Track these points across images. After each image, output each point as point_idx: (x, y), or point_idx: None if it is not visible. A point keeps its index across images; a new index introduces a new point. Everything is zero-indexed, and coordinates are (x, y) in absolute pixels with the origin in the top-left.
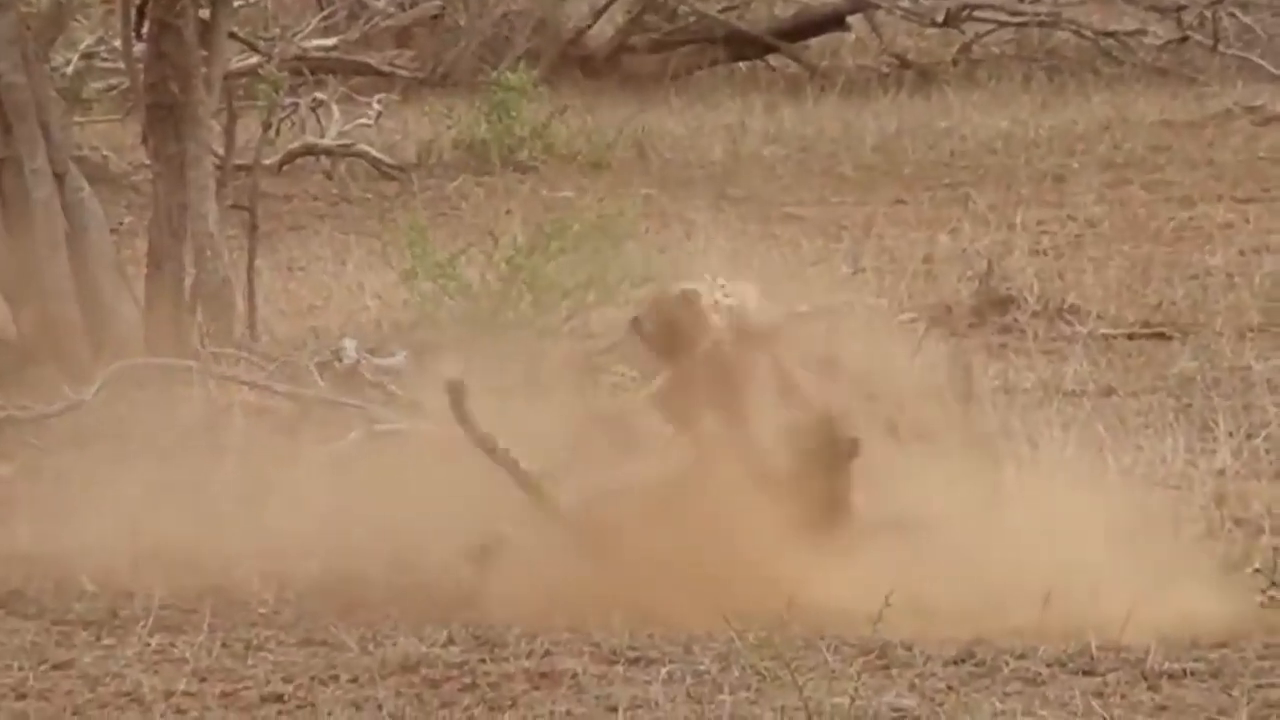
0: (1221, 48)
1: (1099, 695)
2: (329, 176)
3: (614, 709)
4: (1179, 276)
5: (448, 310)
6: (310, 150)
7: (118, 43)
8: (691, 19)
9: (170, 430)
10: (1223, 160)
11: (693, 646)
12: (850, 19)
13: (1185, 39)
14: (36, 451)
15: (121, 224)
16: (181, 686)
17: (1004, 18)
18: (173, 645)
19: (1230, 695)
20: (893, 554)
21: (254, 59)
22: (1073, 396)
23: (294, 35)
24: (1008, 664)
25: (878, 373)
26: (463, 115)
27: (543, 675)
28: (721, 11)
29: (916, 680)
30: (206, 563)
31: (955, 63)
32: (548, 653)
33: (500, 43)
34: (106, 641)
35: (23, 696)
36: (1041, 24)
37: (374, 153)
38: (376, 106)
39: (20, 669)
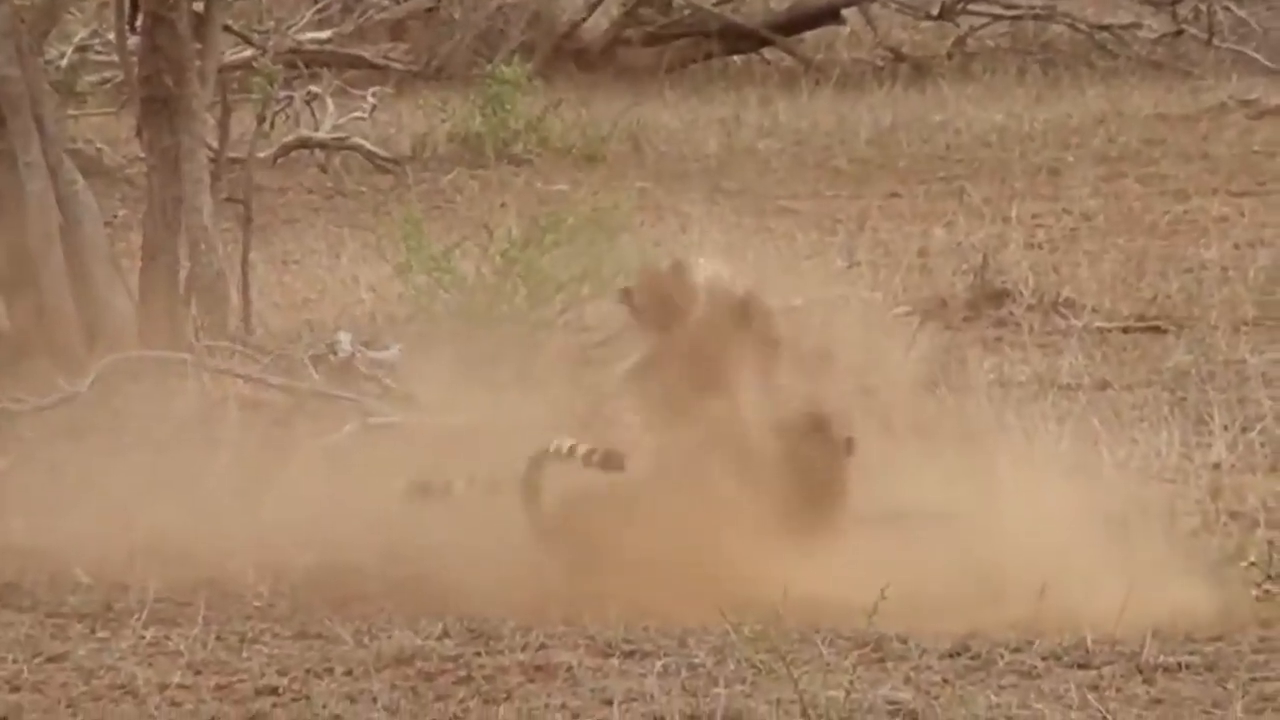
0: (1216, 41)
1: (1094, 688)
2: (324, 170)
3: (609, 702)
4: (1174, 270)
5: (442, 303)
6: (305, 143)
7: (112, 36)
8: (686, 12)
9: (165, 423)
10: (1218, 154)
11: (688, 639)
12: (845, 12)
13: (1180, 32)
14: (31, 444)
15: (116, 217)
16: (176, 679)
17: (999, 11)
18: (167, 638)
19: (1225, 688)
20: (888, 547)
21: (248, 52)
22: (1068, 390)
23: (288, 28)
24: (1003, 657)
25: (872, 366)
26: (457, 108)
27: (538, 668)
28: (716, 5)
29: (911, 673)
30: (201, 556)
31: (950, 56)
32: (543, 645)
33: (495, 36)
34: (101, 634)
35: (17, 689)
36: (1036, 17)
37: (368, 146)
38: (371, 100)
39: (15, 661)
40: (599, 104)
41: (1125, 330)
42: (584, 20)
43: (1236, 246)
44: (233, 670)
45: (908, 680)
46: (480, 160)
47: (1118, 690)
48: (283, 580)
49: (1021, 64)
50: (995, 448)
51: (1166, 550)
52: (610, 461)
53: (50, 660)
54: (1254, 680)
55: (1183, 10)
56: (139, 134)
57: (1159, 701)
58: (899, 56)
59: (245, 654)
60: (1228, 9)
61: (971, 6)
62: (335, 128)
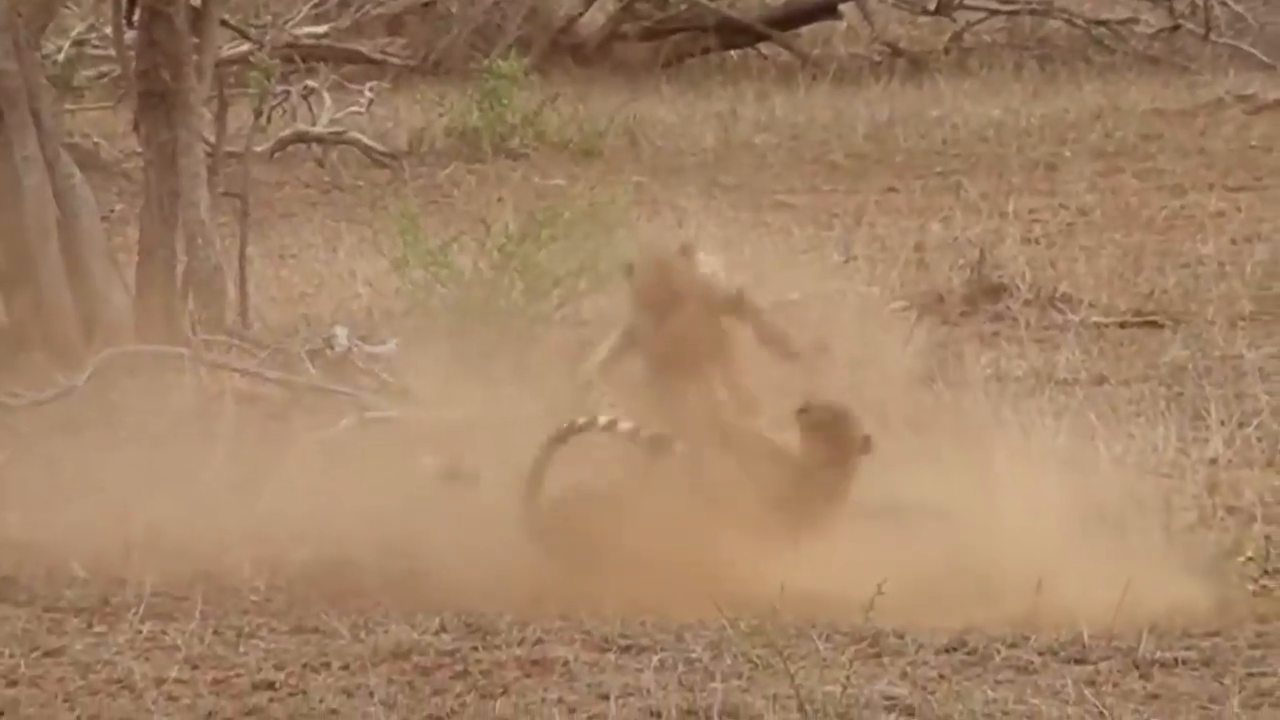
0: (1213, 36)
1: (1091, 684)
2: (320, 164)
3: (605, 696)
4: (1171, 265)
5: (439, 298)
6: (302, 138)
7: (109, 30)
8: (683, 7)
9: (161, 417)
10: (1214, 149)
11: (684, 634)
12: (842, 7)
13: (1177, 27)
14: (27, 438)
15: (113, 211)
16: (173, 674)
17: (995, 6)
18: (164, 632)
19: (1222, 684)
20: (885, 543)
21: (245, 46)
22: (1065, 385)
23: (285, 23)
24: (999, 652)
25: (869, 361)
26: (454, 103)
27: (534, 663)
28: (713, 0)
29: (908, 669)
30: (198, 550)
31: (947, 51)
32: (539, 640)
33: (492, 30)
34: (98, 629)
35: (14, 683)
36: (1033, 12)
37: (365, 140)
38: (368, 94)
39: (11, 656)
40: (596, 99)
41: (1122, 325)
42: (580, 15)
43: (1233, 241)
44: (230, 665)
45: (904, 675)
46: (477, 155)
47: (1114, 685)
48: (280, 575)
49: (1018, 59)
50: (992, 443)
51: (1163, 545)
52: (658, 445)
53: (47, 655)
54: (1251, 675)
55: (1180, 5)
56: (136, 128)
57: (1155, 697)
58: (896, 51)
59: (242, 648)
60: (1224, 4)
61: (968, 1)
62: (332, 122)
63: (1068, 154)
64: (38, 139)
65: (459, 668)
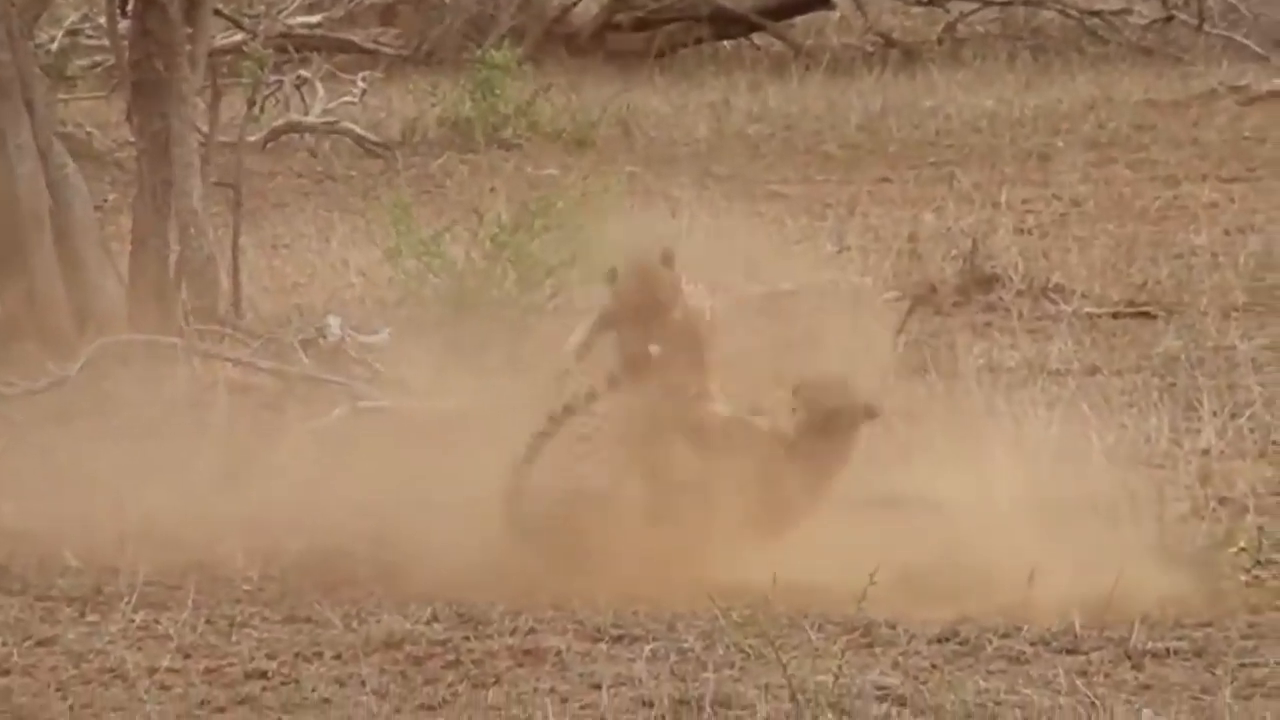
0: (1206, 27)
1: (1083, 674)
2: (313, 154)
3: (597, 686)
4: (1164, 256)
5: (432, 288)
6: (295, 128)
7: (102, 19)
8: None
9: (154, 407)
10: (1207, 140)
11: (676, 624)
12: None
13: (1170, 18)
14: (20, 427)
15: (105, 201)
16: (165, 663)
17: None
18: (157, 622)
19: (1214, 674)
20: (877, 533)
21: (239, 36)
22: (1057, 375)
23: (279, 12)
24: (991, 642)
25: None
26: (447, 93)
27: (526, 652)
28: None
29: (900, 658)
30: (191, 539)
31: (940, 41)
32: (531, 630)
33: (485, 20)
34: (90, 618)
35: (6, 672)
36: (1027, 3)
37: (358, 130)
38: (361, 84)
39: (4, 645)
40: (589, 89)
41: (1115, 316)
42: (574, 5)
43: (1226, 232)
44: (222, 654)
45: (896, 665)
46: (470, 145)
47: (1106, 676)
48: (272, 564)
49: (1012, 50)
50: (984, 433)
51: (1155, 536)
52: (613, 383)
53: (40, 644)
54: (1243, 666)
55: None
56: (129, 118)
57: (1147, 687)
58: (889, 42)
59: (234, 638)
60: None
61: None
62: (325, 112)
63: (1061, 144)
64: (31, 128)
65: (451, 657)
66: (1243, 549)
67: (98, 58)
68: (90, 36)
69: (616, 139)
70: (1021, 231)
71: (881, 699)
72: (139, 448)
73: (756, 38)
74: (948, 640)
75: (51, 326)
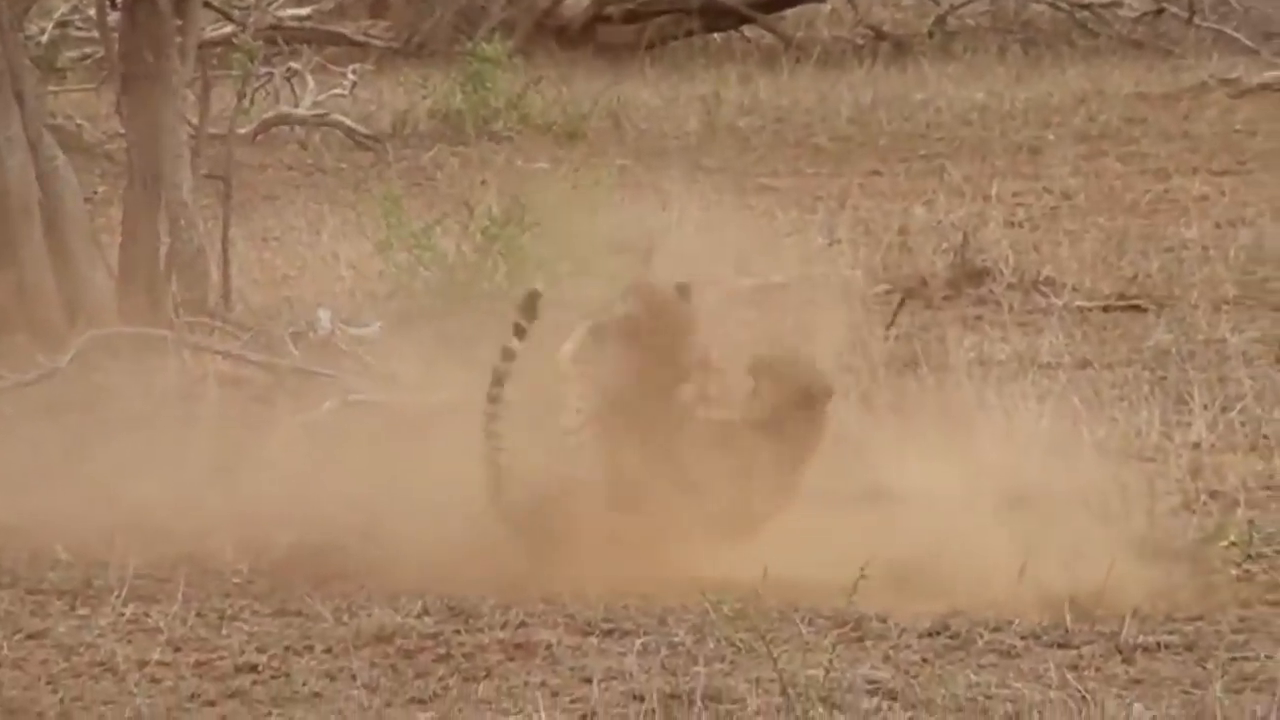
0: (1197, 20)
1: (1074, 668)
2: (304, 146)
3: (588, 680)
4: (1154, 249)
5: (422, 280)
6: (285, 120)
7: (92, 12)
8: None
9: (144, 400)
10: (1198, 133)
11: (667, 618)
12: None
13: (1161, 11)
14: (10, 420)
15: (95, 193)
16: (156, 656)
17: None
18: (147, 615)
19: (1205, 668)
20: (868, 526)
21: (229, 28)
22: (1048, 369)
23: (269, 4)
24: (982, 636)
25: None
26: (438, 85)
27: (517, 646)
28: None
29: (891, 652)
30: (181, 532)
31: (931, 34)
32: (522, 624)
33: (475, 12)
34: (81, 611)
35: None
36: None
37: (349, 123)
38: (351, 76)
39: None
40: (579, 81)
41: (1106, 309)
42: None
43: (1217, 225)
44: (212, 647)
45: (887, 659)
46: (461, 137)
47: (1097, 670)
48: (263, 557)
49: (1002, 42)
50: (975, 427)
51: (1146, 530)
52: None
53: (30, 637)
54: (1234, 660)
55: None
56: (119, 110)
57: (1138, 681)
58: (880, 34)
59: (225, 631)
60: None
61: None
62: (315, 104)
63: (1051, 138)
64: (21, 120)
65: (441, 651)
66: (1233, 543)
67: (88, 50)
68: (80, 28)
69: (607, 132)
70: (1012, 225)
71: (872, 693)
72: (129, 440)
73: (747, 30)
74: (938, 634)
75: (41, 319)
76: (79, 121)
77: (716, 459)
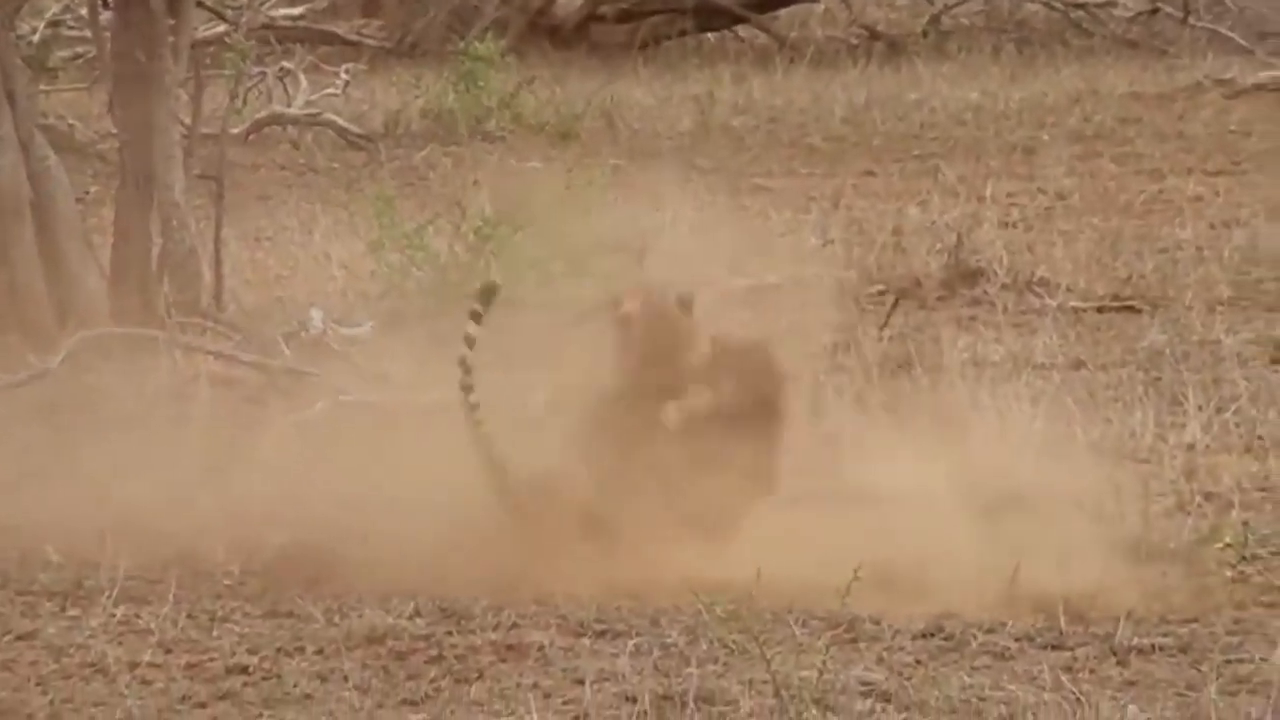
0: (1192, 20)
1: (1068, 670)
2: (296, 146)
3: (581, 681)
4: (1149, 250)
5: (415, 281)
6: (277, 120)
7: (84, 11)
8: None
9: (136, 400)
10: (1193, 133)
11: (660, 619)
12: None
13: (1155, 11)
14: (1, 421)
15: (87, 193)
16: (146, 658)
17: None
18: (138, 616)
19: (1199, 670)
20: (861, 528)
21: (221, 27)
22: (1042, 370)
23: (261, 4)
24: (976, 638)
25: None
26: (430, 85)
27: (509, 647)
28: None
29: (884, 654)
30: (172, 533)
31: (925, 34)
32: (515, 625)
33: (468, 12)
34: (71, 612)
35: None
36: None
37: (341, 122)
38: (344, 76)
39: None
40: (572, 81)
41: (1100, 310)
42: None
43: (1212, 226)
44: (203, 649)
45: (880, 661)
46: (453, 137)
47: (1091, 672)
48: (254, 558)
49: (996, 42)
50: (969, 427)
51: (1141, 531)
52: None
53: (20, 638)
54: (1228, 662)
55: None
56: (111, 110)
57: (1132, 683)
58: (874, 34)
59: (216, 632)
60: None
61: None
62: (308, 104)
63: (1046, 138)
64: (12, 120)
65: (433, 652)
66: (1228, 544)
67: (80, 49)
68: (72, 28)
69: (600, 132)
70: (1006, 225)
71: (865, 694)
72: (120, 441)
73: (741, 30)
74: (932, 636)
75: (32, 319)
76: (71, 121)
77: (688, 454)
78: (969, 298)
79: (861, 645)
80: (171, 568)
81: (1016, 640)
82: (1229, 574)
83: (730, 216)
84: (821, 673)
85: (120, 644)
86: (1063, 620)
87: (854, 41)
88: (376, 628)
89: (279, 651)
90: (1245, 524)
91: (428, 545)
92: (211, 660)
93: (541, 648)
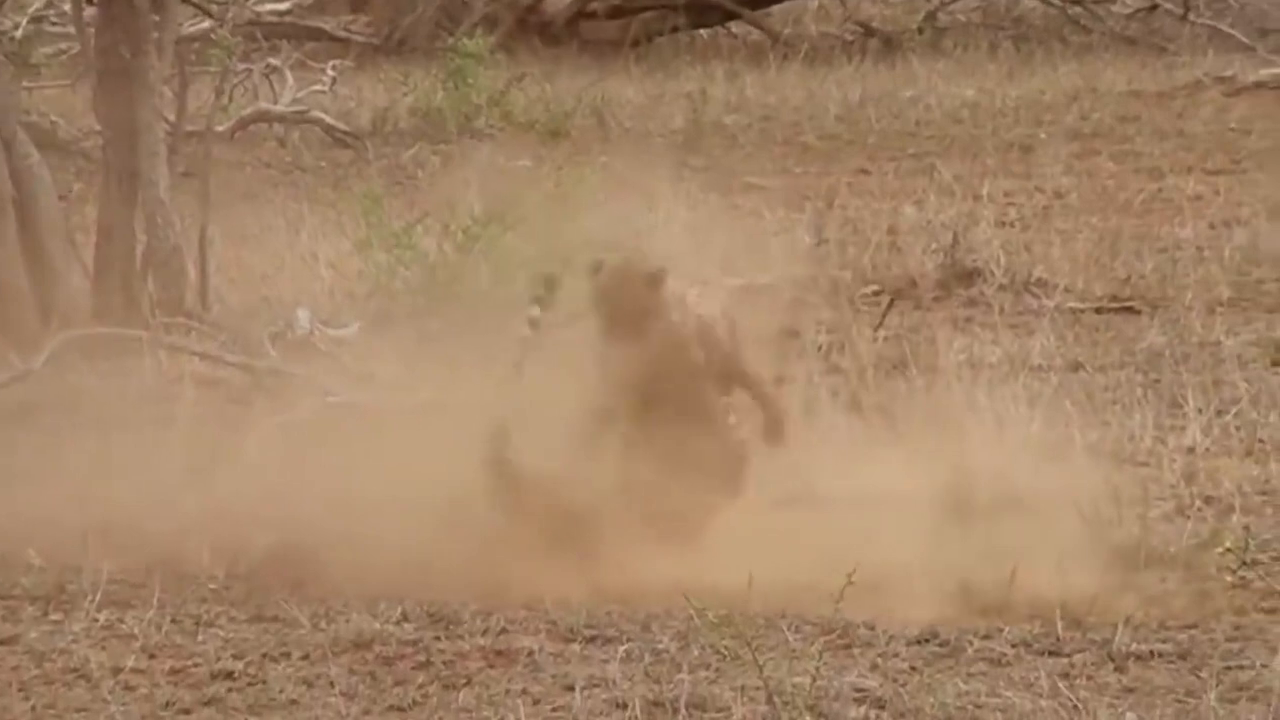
0: (1192, 16)
1: (1065, 676)
2: (282, 144)
3: (570, 688)
4: (1148, 249)
5: (403, 280)
6: (263, 117)
7: (67, 6)
8: None
9: (119, 401)
10: (1193, 131)
11: (651, 624)
12: None
13: (1154, 7)
14: None
15: (71, 191)
16: (130, 663)
17: None
18: (121, 621)
19: (1199, 677)
20: (855, 532)
21: (206, 23)
22: (1039, 371)
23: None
24: (972, 644)
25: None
26: (419, 82)
27: (498, 653)
28: None
29: (879, 660)
30: (156, 536)
31: (921, 30)
32: (503, 630)
33: (457, 8)
34: (53, 617)
35: None
36: None
37: (328, 120)
38: (331, 73)
39: None
40: (563, 78)
41: (1098, 311)
42: None
43: (1212, 226)
44: (187, 654)
45: (875, 667)
46: (442, 135)
47: (1089, 678)
48: (239, 562)
49: (993, 39)
50: (965, 430)
51: (1139, 535)
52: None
53: (1, 643)
54: (1228, 669)
55: None
56: (95, 107)
57: (1131, 690)
58: (868, 31)
59: (200, 637)
60: None
61: None
62: (294, 101)
63: (1043, 136)
64: None
65: (421, 658)
66: (1229, 549)
67: (63, 45)
68: (55, 24)
69: (591, 130)
70: (1003, 224)
71: (860, 701)
72: (103, 443)
73: (734, 26)
74: (927, 641)
75: (15, 319)
76: (54, 118)
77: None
78: (965, 298)
79: (855, 651)
80: (155, 571)
81: (1013, 646)
82: (1229, 579)
83: (723, 215)
84: (815, 679)
85: (103, 649)
86: (1060, 626)
87: (848, 38)
88: (363, 632)
89: (264, 657)
90: (1246, 528)
91: (416, 549)
92: (196, 665)
93: (531, 653)
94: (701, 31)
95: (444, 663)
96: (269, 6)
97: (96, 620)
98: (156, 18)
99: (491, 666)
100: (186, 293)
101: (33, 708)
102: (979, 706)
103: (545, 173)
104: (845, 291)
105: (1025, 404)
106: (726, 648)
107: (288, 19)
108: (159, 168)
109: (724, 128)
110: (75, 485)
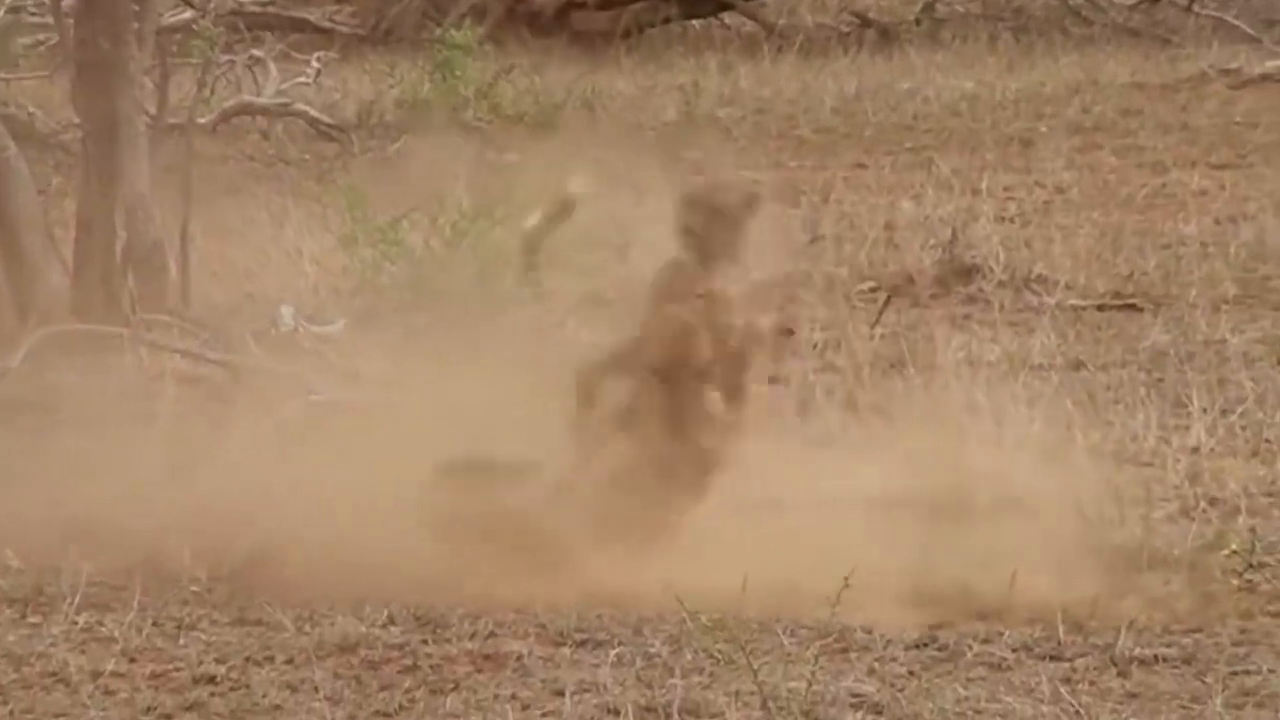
0: (1195, 8)
1: (1067, 681)
2: (266, 137)
3: (560, 693)
4: (1151, 246)
5: (389, 276)
6: (246, 109)
7: None
8: None
9: (99, 399)
10: (1197, 125)
11: (643, 628)
12: None
13: None
14: None
15: (49, 185)
16: (110, 667)
17: None
18: (101, 624)
19: (1204, 682)
20: (852, 533)
21: (188, 14)
22: (1040, 370)
23: None
24: (971, 648)
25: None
26: (405, 74)
27: (487, 657)
28: None
29: (876, 665)
30: (136, 538)
31: (918, 22)
32: (492, 634)
33: None
34: (32, 619)
35: None
36: None
37: (313, 112)
38: (315, 64)
39: None
40: (552, 70)
41: (1100, 308)
42: None
43: (1217, 221)
44: (169, 658)
45: (872, 672)
46: (429, 128)
47: (1091, 683)
48: (221, 564)
49: (993, 30)
50: (964, 430)
51: (1143, 538)
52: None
53: None
54: (1234, 674)
55: None
56: (74, 99)
57: (1134, 695)
58: (865, 22)
59: (182, 641)
60: None
61: None
62: (278, 93)
63: (1044, 129)
64: None
65: (408, 662)
66: (1234, 551)
67: (41, 36)
68: (33, 14)
69: (581, 122)
70: (1003, 220)
71: (856, 707)
72: (83, 441)
73: (727, 17)
74: (925, 646)
75: None
76: (32, 110)
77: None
78: (964, 295)
79: (852, 655)
80: (136, 573)
81: (1013, 651)
82: (1235, 582)
83: None
84: (810, 684)
85: (83, 653)
86: (1061, 630)
87: (845, 29)
88: (349, 636)
89: (248, 661)
90: (1252, 530)
91: (402, 550)
92: (178, 670)
93: (520, 657)
94: (694, 22)
95: (431, 667)
96: None
97: (76, 623)
98: (137, 8)
99: (480, 671)
100: (168, 289)
101: (10, 713)
102: (978, 712)
103: (534, 166)
104: (841, 288)
105: (1025, 403)
106: (720, 652)
107: (271, 9)
108: (139, 161)
109: (717, 120)
110: (54, 485)
